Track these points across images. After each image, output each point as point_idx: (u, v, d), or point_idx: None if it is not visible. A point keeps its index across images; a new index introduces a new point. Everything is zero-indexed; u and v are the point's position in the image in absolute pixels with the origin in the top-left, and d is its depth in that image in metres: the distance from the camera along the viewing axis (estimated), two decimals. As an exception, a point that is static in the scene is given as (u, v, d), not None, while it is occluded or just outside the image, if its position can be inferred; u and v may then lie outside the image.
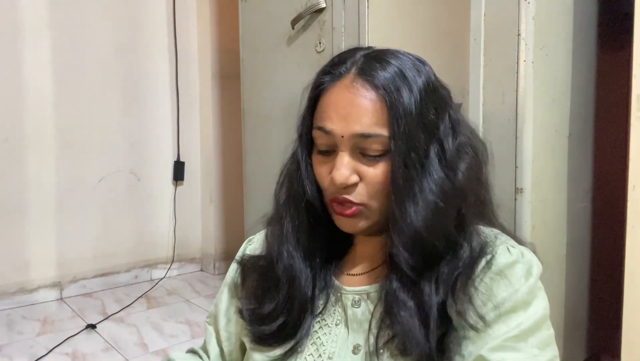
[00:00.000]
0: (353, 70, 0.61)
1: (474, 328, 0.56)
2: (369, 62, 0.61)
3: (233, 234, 2.58)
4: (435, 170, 0.61)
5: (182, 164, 2.53)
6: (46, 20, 2.11)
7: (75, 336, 1.80)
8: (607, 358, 1.42)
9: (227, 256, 2.61)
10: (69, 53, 2.17)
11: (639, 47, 0.96)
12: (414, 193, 0.59)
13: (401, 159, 0.59)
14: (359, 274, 0.69)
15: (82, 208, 2.25)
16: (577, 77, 1.24)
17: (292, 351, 0.66)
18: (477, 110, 1.15)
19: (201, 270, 2.66)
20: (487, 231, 0.65)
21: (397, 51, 0.64)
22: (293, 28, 1.53)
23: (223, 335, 0.76)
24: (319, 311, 0.68)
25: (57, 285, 2.20)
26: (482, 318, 0.57)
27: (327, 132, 0.61)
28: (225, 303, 0.77)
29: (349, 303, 0.66)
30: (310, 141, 0.66)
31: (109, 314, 2.01)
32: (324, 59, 0.73)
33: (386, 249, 0.63)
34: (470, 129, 0.68)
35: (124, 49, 2.33)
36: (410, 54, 0.64)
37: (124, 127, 2.36)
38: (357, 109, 0.60)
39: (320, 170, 0.64)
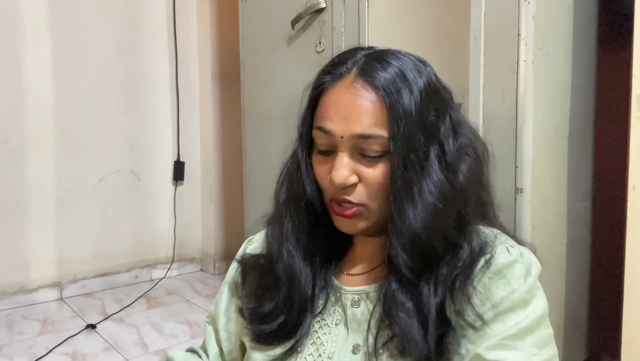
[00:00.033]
0: (354, 70, 0.61)
1: (472, 326, 0.57)
2: (370, 62, 0.61)
3: (233, 234, 2.58)
4: (435, 172, 0.61)
5: (182, 164, 2.53)
6: (46, 20, 2.11)
7: (75, 336, 1.80)
8: (607, 358, 1.42)
9: (227, 256, 2.61)
10: (69, 53, 2.17)
11: (639, 47, 0.96)
12: (413, 195, 0.59)
13: (400, 161, 0.59)
14: (359, 274, 0.69)
15: (82, 208, 2.25)
16: (577, 77, 1.24)
17: (292, 350, 0.66)
18: (477, 110, 1.15)
19: (201, 270, 2.66)
20: (487, 231, 0.65)
21: (398, 52, 0.64)
22: (293, 28, 1.53)
23: (223, 334, 0.76)
24: (318, 310, 0.68)
25: (57, 285, 2.20)
26: (480, 317, 0.57)
27: (327, 133, 0.61)
28: (225, 302, 0.77)
29: (349, 303, 0.66)
30: (311, 140, 0.66)
31: (109, 314, 2.01)
32: (324, 59, 0.73)
33: (385, 249, 0.63)
34: (472, 130, 0.68)
35: (124, 49, 2.33)
36: (411, 55, 0.64)
37: (124, 127, 2.36)
38: (357, 110, 0.60)
39: (320, 170, 0.65)
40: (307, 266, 0.67)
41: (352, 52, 0.65)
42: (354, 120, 0.60)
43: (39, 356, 1.63)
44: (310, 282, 0.67)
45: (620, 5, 1.28)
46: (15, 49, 2.05)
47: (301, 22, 1.51)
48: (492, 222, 0.69)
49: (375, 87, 0.59)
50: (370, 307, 0.64)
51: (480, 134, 1.06)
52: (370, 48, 0.66)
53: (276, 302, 0.67)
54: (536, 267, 0.61)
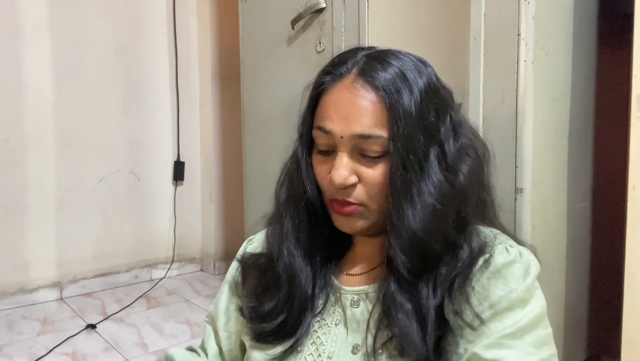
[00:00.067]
0: (354, 70, 0.61)
1: (470, 326, 0.56)
2: (370, 62, 0.61)
3: (233, 234, 2.58)
4: (435, 172, 0.60)
5: (182, 164, 2.53)
6: (46, 20, 2.11)
7: (75, 336, 1.80)
8: (607, 358, 1.42)
9: (227, 256, 2.61)
10: (69, 53, 2.17)
11: (639, 47, 0.96)
12: (412, 196, 0.59)
13: (400, 161, 0.59)
14: (358, 274, 0.69)
15: (82, 208, 2.25)
16: (577, 77, 1.24)
17: (292, 349, 0.66)
18: (477, 110, 1.15)
19: (201, 270, 2.66)
20: (487, 232, 0.65)
21: (399, 52, 0.64)
22: (293, 28, 1.53)
23: (222, 334, 0.76)
24: (318, 310, 0.68)
25: (57, 285, 2.20)
26: (478, 316, 0.57)
27: (327, 132, 0.61)
28: (225, 301, 0.77)
29: (348, 303, 0.66)
30: (311, 140, 0.66)
31: (109, 314, 2.01)
32: (324, 59, 0.73)
33: (385, 250, 0.63)
34: (472, 131, 0.68)
35: (124, 49, 2.33)
36: (411, 55, 0.64)
37: (124, 127, 2.36)
38: (357, 110, 0.60)
39: (320, 170, 0.65)
40: (307, 265, 0.67)
41: (353, 52, 0.65)
42: (353, 120, 0.60)
43: (39, 356, 1.63)
44: (311, 281, 0.67)
45: (620, 5, 1.28)
46: (15, 49, 2.05)
47: (301, 22, 1.51)
48: (493, 222, 0.69)
49: (376, 88, 0.59)
50: (370, 307, 0.64)
51: (480, 134, 1.06)
52: (370, 48, 0.66)
53: (276, 301, 0.67)
54: (535, 267, 0.61)
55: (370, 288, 0.65)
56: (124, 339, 1.79)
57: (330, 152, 0.63)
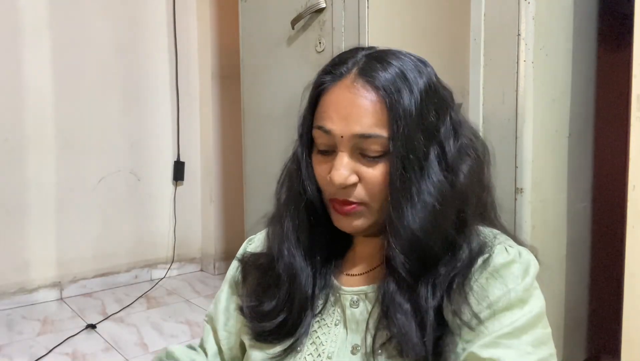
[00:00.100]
0: (354, 70, 0.61)
1: (468, 325, 0.56)
2: (370, 62, 0.61)
3: (233, 234, 2.58)
4: (435, 172, 0.60)
5: (182, 164, 2.53)
6: (46, 20, 2.11)
7: (75, 336, 1.80)
8: (607, 358, 1.42)
9: (227, 256, 2.61)
10: (69, 53, 2.17)
11: (639, 47, 0.96)
12: (412, 195, 0.59)
13: (400, 161, 0.59)
14: (358, 274, 0.69)
15: (82, 208, 2.25)
16: (577, 77, 1.24)
17: (292, 349, 0.66)
18: (477, 110, 1.15)
19: (201, 270, 2.66)
20: (487, 232, 0.65)
21: (399, 52, 0.64)
22: (293, 28, 1.53)
23: (222, 334, 0.76)
24: (318, 310, 0.68)
25: (57, 285, 2.20)
26: (476, 316, 0.57)
27: (327, 132, 0.61)
28: (225, 300, 0.77)
29: (347, 304, 0.66)
30: (311, 140, 0.66)
31: (109, 314, 2.01)
32: (324, 59, 0.73)
33: (384, 250, 0.63)
34: (472, 131, 0.68)
35: (124, 49, 2.33)
36: (411, 55, 0.64)
37: (124, 127, 2.36)
38: (357, 110, 0.60)
39: (320, 170, 0.64)
40: (307, 265, 0.67)
41: (353, 52, 0.65)
42: (354, 120, 0.60)
43: (39, 356, 1.63)
44: (311, 281, 0.67)
45: (620, 5, 1.28)
46: (15, 49, 2.05)
47: (301, 22, 1.51)
48: (493, 223, 0.69)
49: (376, 87, 0.59)
50: (369, 307, 0.64)
51: (480, 134, 1.06)
52: (370, 48, 0.66)
53: (276, 301, 0.67)
54: (534, 267, 0.61)
55: (369, 289, 0.65)
56: (124, 339, 1.79)
57: (330, 152, 0.63)
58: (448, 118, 0.63)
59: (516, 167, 1.11)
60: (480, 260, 0.60)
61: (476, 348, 0.55)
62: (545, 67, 1.12)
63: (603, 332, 1.40)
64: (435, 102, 0.62)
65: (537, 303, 0.59)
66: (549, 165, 1.18)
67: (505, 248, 0.61)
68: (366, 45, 0.68)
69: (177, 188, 2.54)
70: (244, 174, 1.83)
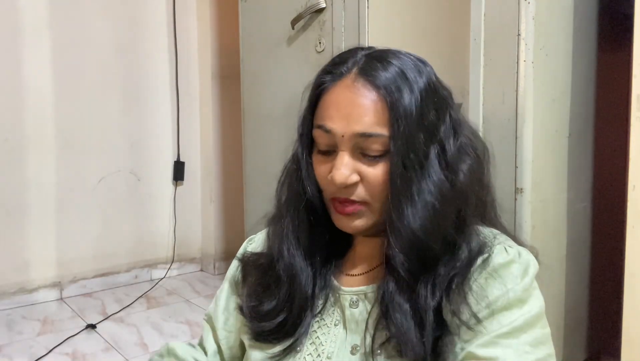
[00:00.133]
0: (354, 70, 0.61)
1: (466, 325, 0.56)
2: (370, 62, 0.61)
3: (233, 234, 2.58)
4: (435, 171, 0.60)
5: (182, 164, 2.53)
6: (46, 20, 2.11)
7: (75, 336, 1.80)
8: (607, 358, 1.42)
9: (227, 256, 2.61)
10: (69, 53, 2.17)
11: (639, 47, 0.96)
12: (412, 194, 0.59)
13: (400, 160, 0.59)
14: (358, 274, 0.69)
15: (82, 208, 2.25)
16: (577, 77, 1.24)
17: (291, 348, 0.66)
18: (477, 110, 1.15)
19: (201, 270, 2.66)
20: (486, 232, 0.65)
21: (398, 51, 0.64)
22: (293, 28, 1.53)
23: (221, 333, 0.76)
24: (318, 310, 0.68)
25: (57, 285, 2.20)
26: (475, 315, 0.57)
27: (328, 131, 0.61)
28: (224, 299, 0.77)
29: (347, 304, 0.66)
30: (311, 140, 0.66)
31: (109, 314, 2.01)
32: (324, 59, 0.73)
33: (384, 249, 0.63)
34: (472, 130, 0.68)
35: (124, 49, 2.33)
36: (411, 55, 0.64)
37: (124, 127, 2.36)
38: (358, 109, 0.60)
39: (321, 170, 0.64)
40: (307, 265, 0.67)
41: (352, 52, 0.65)
42: (354, 119, 0.60)
43: (39, 356, 1.63)
44: (311, 282, 0.67)
45: (620, 5, 1.28)
46: (15, 49, 2.05)
47: (301, 22, 1.51)
48: (494, 223, 0.69)
49: (376, 86, 0.59)
50: (369, 307, 0.64)
51: (480, 134, 1.07)
52: (370, 48, 0.66)
53: (276, 301, 0.67)
54: (534, 267, 0.61)
55: (369, 289, 0.65)
56: (124, 339, 1.79)
57: (330, 152, 0.63)
58: (448, 117, 0.63)
59: (516, 167, 1.11)
60: (479, 260, 0.60)
61: (474, 347, 0.55)
62: (545, 67, 1.12)
63: (603, 332, 1.40)
64: (435, 101, 0.62)
65: (536, 303, 0.59)
66: (549, 165, 1.18)
67: (505, 248, 0.61)
68: (366, 46, 0.68)
69: (177, 188, 2.54)
70: (244, 174, 1.83)
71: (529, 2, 1.08)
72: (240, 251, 0.79)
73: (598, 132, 1.35)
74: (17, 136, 2.07)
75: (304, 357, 0.65)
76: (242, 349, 0.75)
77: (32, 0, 2.07)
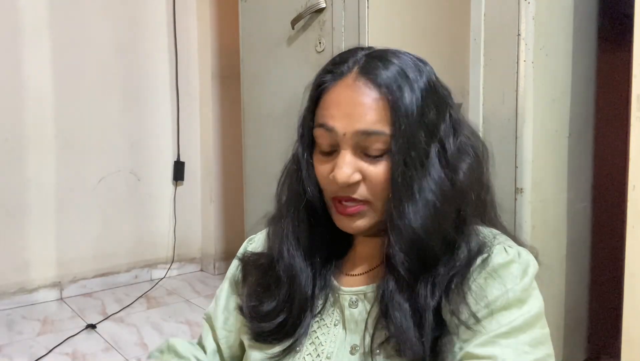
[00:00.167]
0: (355, 69, 0.62)
1: (465, 325, 0.56)
2: (371, 61, 0.62)
3: (233, 234, 2.58)
4: (436, 170, 0.61)
5: (182, 164, 2.53)
6: (46, 20, 2.11)
7: (75, 336, 1.80)
8: (607, 358, 1.42)
9: (227, 256, 2.61)
10: (69, 53, 2.17)
11: (639, 47, 0.96)
12: (413, 193, 0.59)
13: (401, 158, 0.59)
14: (358, 274, 0.69)
15: (82, 208, 2.25)
16: (577, 77, 1.24)
17: (291, 349, 0.66)
18: (477, 110, 1.15)
19: (201, 270, 2.66)
20: (486, 232, 0.65)
21: (398, 51, 0.64)
22: (293, 28, 1.53)
23: (220, 332, 0.76)
24: (317, 311, 0.68)
25: (57, 285, 2.20)
26: (474, 315, 0.56)
27: (329, 130, 0.61)
28: (224, 298, 0.77)
29: (346, 304, 0.66)
30: (312, 140, 0.66)
31: (109, 314, 2.01)
32: (324, 59, 0.73)
33: (385, 248, 0.63)
34: (471, 130, 0.68)
35: (124, 49, 2.33)
36: (410, 54, 0.64)
37: (124, 127, 2.35)
38: (359, 108, 0.60)
39: (322, 169, 0.64)
40: (307, 266, 0.67)
41: (352, 51, 0.65)
42: (356, 117, 0.59)
43: (39, 356, 1.63)
44: (311, 282, 0.67)
45: (620, 5, 1.28)
46: (15, 49, 2.05)
47: (301, 22, 1.51)
48: (493, 223, 0.69)
49: (378, 85, 0.60)
50: (368, 307, 0.64)
51: (480, 134, 1.07)
52: (369, 48, 0.66)
53: (276, 301, 0.67)
54: (533, 267, 0.61)
55: (368, 289, 0.65)
56: (124, 339, 1.79)
57: (331, 152, 0.63)
58: (448, 116, 0.63)
59: (516, 167, 1.11)
60: (479, 260, 0.60)
61: (473, 347, 0.55)
62: (545, 67, 1.12)
63: (603, 332, 1.40)
64: (435, 100, 0.62)
65: (535, 303, 0.59)
66: (549, 165, 1.18)
67: (505, 248, 0.61)
68: (365, 46, 0.68)
69: (177, 188, 2.54)
70: (244, 174, 1.83)
71: (529, 2, 1.08)
72: (241, 250, 0.79)
73: (598, 132, 1.35)
74: (17, 136, 2.07)
75: (303, 357, 0.65)
76: (242, 348, 0.75)
77: (32, 0, 2.07)
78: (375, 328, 0.61)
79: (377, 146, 0.60)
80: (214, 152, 2.56)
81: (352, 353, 0.63)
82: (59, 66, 2.14)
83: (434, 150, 0.61)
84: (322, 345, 0.65)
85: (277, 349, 0.66)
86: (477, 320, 0.56)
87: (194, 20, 2.55)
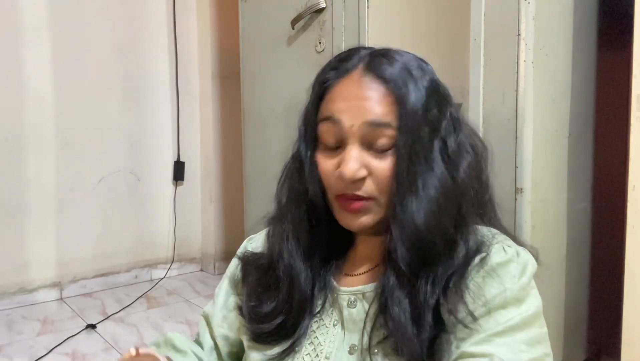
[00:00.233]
0: (360, 66, 0.62)
1: (462, 323, 0.56)
2: (376, 58, 0.62)
3: (233, 234, 2.58)
4: (439, 166, 0.61)
5: (182, 164, 2.53)
6: (46, 20, 2.11)
7: (75, 336, 1.80)
8: (607, 358, 1.42)
9: (227, 256, 2.61)
10: (69, 53, 2.17)
11: (639, 47, 0.96)
12: (417, 188, 0.59)
13: (407, 153, 0.59)
14: (357, 274, 0.68)
15: (82, 208, 2.25)
16: (577, 77, 1.24)
17: (290, 349, 0.66)
18: (477, 110, 1.15)
19: (201, 270, 2.66)
20: (485, 231, 0.65)
21: (400, 50, 0.65)
22: (293, 28, 1.53)
23: (218, 330, 0.76)
24: (317, 311, 0.68)
25: (57, 285, 2.20)
26: (471, 314, 0.57)
27: (336, 122, 0.61)
28: (223, 296, 0.77)
29: (345, 304, 0.66)
30: (314, 138, 0.65)
31: (109, 314, 2.01)
32: (324, 59, 0.73)
33: (385, 248, 0.63)
34: (470, 129, 0.68)
35: (124, 49, 2.33)
36: (411, 54, 0.65)
37: (124, 127, 2.35)
38: (367, 101, 0.60)
39: (326, 166, 0.63)
40: (307, 266, 0.67)
41: (355, 50, 0.65)
42: (364, 110, 0.60)
43: (39, 356, 1.63)
44: (310, 282, 0.67)
45: (620, 5, 1.28)
46: (15, 49, 2.05)
47: (301, 22, 1.51)
48: (492, 222, 0.69)
49: (385, 80, 0.60)
50: (366, 307, 0.64)
51: (480, 134, 1.07)
52: (371, 48, 0.66)
53: (276, 302, 0.67)
54: (532, 266, 0.61)
55: (367, 288, 0.65)
56: (124, 339, 1.79)
57: (336, 148, 0.63)
58: (448, 115, 0.64)
59: (516, 167, 1.11)
60: (477, 259, 0.60)
61: (468, 345, 0.56)
62: (545, 67, 1.12)
63: (603, 332, 1.40)
64: (437, 99, 0.63)
65: (533, 302, 0.59)
66: (549, 165, 1.18)
67: (503, 248, 0.61)
68: (366, 46, 0.69)
69: (177, 187, 2.54)
70: (244, 174, 1.83)
71: (529, 2, 1.08)
72: (240, 249, 0.79)
73: (598, 132, 1.35)
74: (17, 136, 2.07)
75: (302, 357, 0.65)
76: (239, 346, 0.75)
77: (32, 0, 2.07)
78: (373, 327, 0.61)
79: (383, 140, 0.60)
80: (214, 152, 2.56)
81: (350, 353, 0.63)
82: (59, 66, 2.14)
83: (437, 146, 0.61)
84: (321, 345, 0.65)
85: (276, 350, 0.66)
86: (475, 319, 0.56)
87: (194, 20, 2.55)
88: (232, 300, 0.76)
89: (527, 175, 1.11)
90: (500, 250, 0.61)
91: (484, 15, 1.13)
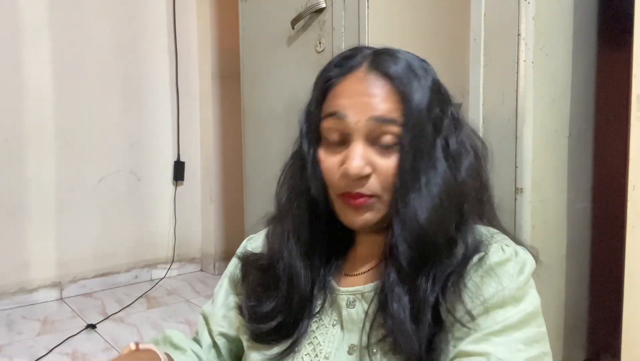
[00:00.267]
0: (365, 63, 0.62)
1: (460, 322, 0.57)
2: (380, 56, 0.63)
3: (233, 234, 2.58)
4: (441, 164, 0.61)
5: (182, 164, 2.53)
6: (46, 20, 2.11)
7: (75, 336, 1.80)
8: (607, 358, 1.42)
9: (227, 256, 2.61)
10: (69, 53, 2.17)
11: (639, 47, 0.96)
12: (420, 185, 0.59)
13: (411, 150, 0.59)
14: (357, 274, 0.68)
15: (82, 208, 2.25)
16: (577, 77, 1.24)
17: (289, 350, 0.66)
18: (477, 110, 1.15)
19: (201, 270, 2.66)
20: (484, 231, 0.65)
21: (400, 50, 0.65)
22: (293, 28, 1.53)
23: (217, 328, 0.76)
24: (316, 311, 0.68)
25: (57, 285, 2.20)
26: (469, 313, 0.57)
27: (341, 118, 0.61)
28: (223, 295, 0.77)
29: (344, 304, 0.66)
30: (317, 135, 0.65)
31: (109, 314, 2.01)
32: (324, 59, 0.73)
33: (386, 246, 0.63)
34: (470, 128, 0.68)
35: (124, 49, 2.33)
36: (412, 54, 0.65)
37: (124, 127, 2.36)
38: (372, 98, 0.60)
39: (330, 163, 0.63)
40: (307, 266, 0.67)
41: (358, 49, 0.65)
42: (369, 106, 0.60)
43: (39, 356, 1.63)
44: (309, 283, 0.67)
45: (620, 5, 1.28)
46: (15, 49, 2.05)
47: (301, 22, 1.51)
48: (492, 222, 0.69)
49: (390, 78, 0.60)
50: (365, 306, 0.64)
51: (480, 134, 1.07)
52: (372, 47, 0.66)
53: (275, 302, 0.67)
54: (530, 266, 0.61)
55: (366, 288, 0.65)
56: (124, 339, 1.79)
57: (340, 144, 0.62)
58: (450, 114, 0.64)
59: (516, 167, 1.11)
60: (475, 258, 0.60)
61: (465, 344, 0.56)
62: (545, 67, 1.12)
63: (603, 332, 1.40)
64: (439, 98, 0.63)
65: (532, 301, 0.59)
66: (549, 165, 1.18)
67: (502, 247, 0.61)
68: (367, 46, 0.69)
69: (177, 187, 2.54)
70: (244, 174, 1.83)
71: (529, 2, 1.08)
72: (240, 249, 0.79)
73: (598, 132, 1.35)
74: (17, 136, 2.07)
75: (302, 357, 0.65)
76: (238, 344, 0.75)
77: (32, 0, 2.07)
78: (372, 327, 0.61)
79: (388, 137, 0.60)
80: (214, 152, 2.56)
81: (349, 352, 0.63)
82: (59, 66, 2.14)
83: (439, 145, 0.62)
84: (321, 345, 0.65)
85: (275, 350, 0.66)
86: (472, 318, 0.56)
87: (194, 20, 2.55)
88: (232, 299, 0.76)
89: (527, 175, 1.11)
90: (499, 249, 0.61)
91: (484, 15, 1.13)
